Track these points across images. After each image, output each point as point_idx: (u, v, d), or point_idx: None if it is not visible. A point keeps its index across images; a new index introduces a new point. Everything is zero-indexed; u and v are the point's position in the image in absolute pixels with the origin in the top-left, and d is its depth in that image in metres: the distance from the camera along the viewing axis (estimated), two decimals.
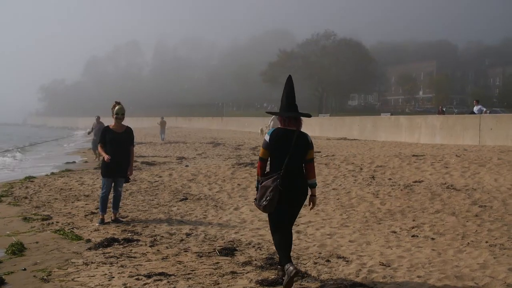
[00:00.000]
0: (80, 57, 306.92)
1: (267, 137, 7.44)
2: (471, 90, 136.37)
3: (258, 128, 47.40)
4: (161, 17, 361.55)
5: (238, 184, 16.65)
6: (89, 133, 32.40)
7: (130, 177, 12.39)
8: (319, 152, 26.04)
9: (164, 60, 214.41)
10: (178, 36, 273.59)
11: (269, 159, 7.51)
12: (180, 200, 14.68)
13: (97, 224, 11.61)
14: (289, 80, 7.91)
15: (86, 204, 14.26)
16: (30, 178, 20.04)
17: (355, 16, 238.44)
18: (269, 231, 8.06)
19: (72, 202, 14.72)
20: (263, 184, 7.38)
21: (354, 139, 36.98)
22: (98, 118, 30.79)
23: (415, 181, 15.37)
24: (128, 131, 12.04)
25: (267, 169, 7.56)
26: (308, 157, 7.49)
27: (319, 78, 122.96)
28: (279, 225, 7.44)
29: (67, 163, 28.38)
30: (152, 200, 14.91)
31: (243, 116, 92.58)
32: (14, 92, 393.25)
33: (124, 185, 16.74)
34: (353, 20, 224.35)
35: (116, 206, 12.09)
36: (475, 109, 38.68)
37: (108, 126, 12.08)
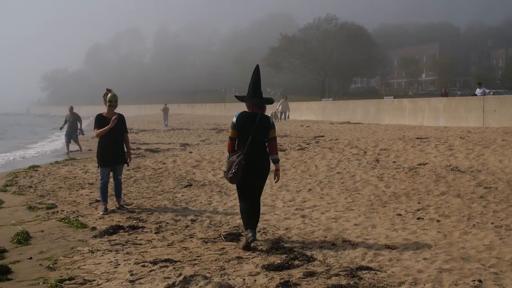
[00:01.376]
0: (81, 45, 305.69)
1: (234, 119, 8.64)
2: (474, 72, 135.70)
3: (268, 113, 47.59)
4: (162, 3, 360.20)
5: None
6: (61, 128, 30.17)
7: (129, 163, 12.37)
8: (322, 136, 26.03)
9: (166, 46, 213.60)
10: (179, 22, 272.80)
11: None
12: (185, 187, 14.68)
13: (101, 214, 11.61)
14: (257, 69, 9.01)
15: (90, 192, 14.27)
16: (34, 167, 20.05)
17: None
18: (274, 216, 9.82)
19: (77, 190, 14.74)
20: (230, 159, 8.61)
21: (358, 123, 36.90)
22: (72, 108, 29.99)
23: (420, 164, 15.34)
24: (121, 119, 11.99)
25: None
26: (270, 136, 8.68)
27: (321, 63, 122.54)
28: (244, 194, 8.70)
29: (71, 151, 28.37)
30: (157, 187, 14.92)
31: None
32: (16, 81, 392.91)
33: (128, 172, 16.82)
34: (354, 3, 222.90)
35: (118, 194, 12.08)
36: (478, 92, 38.55)
37: (101, 114, 12.01)
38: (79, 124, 29.16)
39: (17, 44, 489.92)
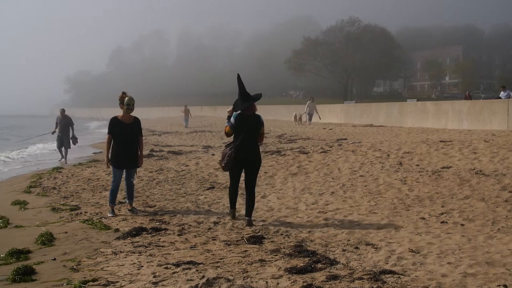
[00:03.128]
0: (105, 48, 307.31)
1: (232, 120, 10.71)
2: (498, 75, 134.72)
3: (292, 115, 47.37)
4: (185, 6, 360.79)
5: (265, 172, 16.62)
6: (53, 133, 26.67)
7: (140, 166, 12.44)
8: (345, 139, 25.94)
9: (189, 49, 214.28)
10: (202, 24, 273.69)
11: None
12: (207, 189, 14.70)
13: (109, 215, 11.66)
14: (238, 78, 10.94)
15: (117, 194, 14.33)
16: (58, 169, 20.19)
17: (379, 1, 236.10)
18: (297, 219, 10.63)
19: (100, 192, 14.82)
20: (223, 150, 10.97)
21: (380, 126, 36.74)
22: (63, 111, 26.77)
23: (443, 167, 15.22)
24: (136, 122, 12.05)
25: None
26: (261, 132, 10.83)
27: (344, 65, 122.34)
28: (234, 179, 11.01)
29: (94, 153, 28.48)
30: (179, 189, 14.95)
31: (268, 104, 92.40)
32: (41, 84, 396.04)
33: (150, 174, 16.87)
34: (377, 5, 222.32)
35: (130, 197, 12.15)
36: (502, 94, 38.17)
37: (116, 117, 12.07)
38: (71, 131, 26.16)
39: (42, 46, 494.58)
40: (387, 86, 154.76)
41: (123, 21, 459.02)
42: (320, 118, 44.37)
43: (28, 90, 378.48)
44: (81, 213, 12.12)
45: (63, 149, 26.22)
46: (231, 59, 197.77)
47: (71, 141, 26.24)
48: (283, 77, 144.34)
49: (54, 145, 28.82)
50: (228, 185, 11.43)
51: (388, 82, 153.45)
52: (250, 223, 10.47)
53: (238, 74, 11.07)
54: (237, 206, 11.60)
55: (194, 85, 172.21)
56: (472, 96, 56.14)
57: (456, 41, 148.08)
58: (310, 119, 44.34)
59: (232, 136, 10.89)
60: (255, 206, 11.89)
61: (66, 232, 10.30)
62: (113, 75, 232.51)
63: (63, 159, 26.03)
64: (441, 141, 19.62)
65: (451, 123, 31.28)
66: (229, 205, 11.29)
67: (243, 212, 11.26)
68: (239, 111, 10.73)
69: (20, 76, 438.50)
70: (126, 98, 11.89)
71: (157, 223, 10.73)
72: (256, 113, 10.89)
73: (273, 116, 63.79)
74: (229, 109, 11.06)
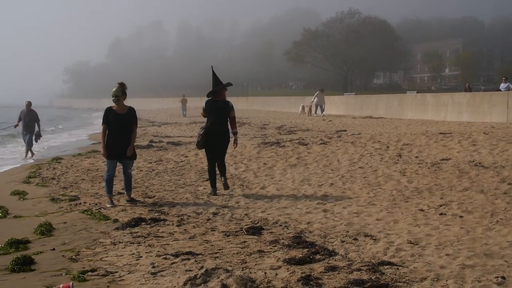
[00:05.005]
0: (104, 39, 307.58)
1: (204, 105, 12.74)
2: (498, 67, 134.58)
3: (292, 106, 46.64)
4: None
5: (264, 163, 16.63)
6: (16, 126, 24.70)
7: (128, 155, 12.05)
8: (345, 130, 25.94)
9: (188, 40, 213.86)
10: (201, 16, 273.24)
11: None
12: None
13: (108, 206, 11.66)
14: (212, 69, 13.04)
15: (113, 185, 14.32)
16: (57, 159, 20.19)
17: None
18: (296, 210, 10.70)
19: (99, 182, 14.82)
20: (198, 131, 13.03)
21: (380, 118, 36.72)
22: (29, 104, 24.15)
23: (443, 159, 15.22)
24: (131, 112, 12.00)
25: None
26: (231, 116, 12.75)
27: (343, 57, 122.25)
28: (210, 158, 12.93)
29: (93, 143, 28.46)
30: (179, 180, 14.96)
31: (268, 95, 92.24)
32: (39, 74, 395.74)
33: (150, 165, 16.88)
34: None
35: (128, 188, 12.13)
36: (502, 86, 38.15)
37: (110, 107, 12.02)
38: (37, 126, 23.96)
39: (40, 36, 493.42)
40: (387, 78, 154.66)
41: (122, 12, 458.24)
42: (323, 112, 43.79)
43: (27, 80, 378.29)
44: (80, 203, 12.13)
45: (27, 146, 24.19)
46: (231, 50, 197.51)
47: (33, 137, 24.00)
48: (283, 68, 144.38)
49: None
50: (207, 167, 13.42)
51: (388, 74, 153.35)
52: (226, 186, 12.83)
53: (211, 66, 13.42)
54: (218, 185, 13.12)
55: (193, 76, 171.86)
56: (472, 88, 56.12)
57: (456, 33, 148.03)
58: (322, 111, 43.39)
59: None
60: (254, 197, 11.94)
61: (65, 223, 10.30)
62: (111, 66, 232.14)
63: (29, 154, 24.25)
64: (440, 133, 19.62)
65: (450, 115, 31.27)
66: (210, 187, 13.07)
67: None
68: (210, 98, 12.80)
69: (19, 67, 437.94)
70: (113, 90, 11.84)
71: (156, 214, 10.73)
72: (228, 99, 13.02)
73: (273, 107, 63.84)
74: (305, 105, 12.33)
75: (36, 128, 23.90)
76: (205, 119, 12.95)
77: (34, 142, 24.26)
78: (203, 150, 13.08)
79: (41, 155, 25.38)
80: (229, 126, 12.82)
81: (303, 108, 44.76)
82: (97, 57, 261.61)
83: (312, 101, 43.73)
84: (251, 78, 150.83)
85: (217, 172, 12.97)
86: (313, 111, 43.69)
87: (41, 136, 24.97)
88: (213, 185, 12.89)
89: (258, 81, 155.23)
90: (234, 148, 13.57)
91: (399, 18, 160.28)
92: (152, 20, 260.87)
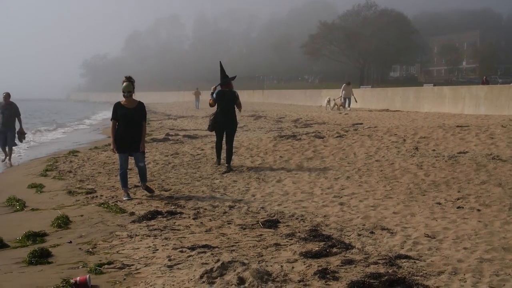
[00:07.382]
0: (121, 32, 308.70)
1: (214, 95, 15.11)
2: None
3: (325, 99, 45.32)
4: None
5: (280, 157, 16.60)
6: None
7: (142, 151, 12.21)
8: (361, 123, 25.85)
9: (205, 33, 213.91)
10: (218, 8, 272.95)
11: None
12: (223, 173, 14.69)
13: (124, 199, 11.70)
14: (220, 64, 15.70)
15: (129, 178, 14.34)
16: (74, 152, 20.26)
17: None
18: (313, 203, 10.83)
19: (116, 176, 14.83)
20: (210, 117, 15.55)
21: (397, 111, 36.57)
22: (7, 96, 20.26)
23: (460, 152, 15.13)
24: (140, 106, 12.01)
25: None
26: (237, 102, 15.17)
27: (360, 50, 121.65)
28: (218, 137, 15.38)
29: (108, 137, 28.47)
30: (195, 173, 14.97)
31: (284, 89, 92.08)
32: (57, 68, 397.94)
33: (166, 158, 16.91)
34: None
35: (143, 179, 12.21)
36: None
37: (119, 102, 12.09)
38: (18, 123, 20.53)
39: (58, 30, 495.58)
40: (403, 71, 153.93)
41: (139, 5, 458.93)
42: (356, 101, 41.93)
43: (45, 75, 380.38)
44: (96, 196, 12.18)
45: (7, 147, 20.39)
46: (247, 43, 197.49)
47: (16, 136, 20.47)
48: (299, 61, 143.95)
49: None
50: (215, 143, 15.83)
51: (404, 67, 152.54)
52: (228, 169, 14.80)
53: (220, 62, 16.17)
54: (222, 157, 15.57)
55: (210, 69, 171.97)
56: (489, 81, 55.74)
57: (473, 25, 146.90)
58: (349, 104, 41.56)
59: (216, 106, 15.22)
60: (271, 190, 12.00)
61: (82, 215, 10.36)
62: (128, 59, 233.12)
63: (7, 159, 20.41)
64: (457, 126, 19.50)
65: (468, 108, 31.07)
66: (216, 158, 15.87)
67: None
68: (219, 88, 15.19)
69: (38, 62, 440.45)
70: (123, 84, 11.88)
71: (172, 207, 10.75)
72: (235, 90, 15.52)
73: (289, 100, 63.69)
74: (213, 87, 15.54)
75: (18, 125, 20.58)
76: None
77: (18, 142, 21.06)
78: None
79: (57, 148, 25.48)
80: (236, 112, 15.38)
81: (328, 101, 43.16)
82: (114, 51, 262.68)
83: (341, 96, 42.11)
84: (268, 71, 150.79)
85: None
86: (344, 105, 41.60)
87: (26, 134, 21.81)
88: (219, 156, 15.70)
89: (274, 74, 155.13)
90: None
91: (416, 10, 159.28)
92: (169, 13, 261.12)
